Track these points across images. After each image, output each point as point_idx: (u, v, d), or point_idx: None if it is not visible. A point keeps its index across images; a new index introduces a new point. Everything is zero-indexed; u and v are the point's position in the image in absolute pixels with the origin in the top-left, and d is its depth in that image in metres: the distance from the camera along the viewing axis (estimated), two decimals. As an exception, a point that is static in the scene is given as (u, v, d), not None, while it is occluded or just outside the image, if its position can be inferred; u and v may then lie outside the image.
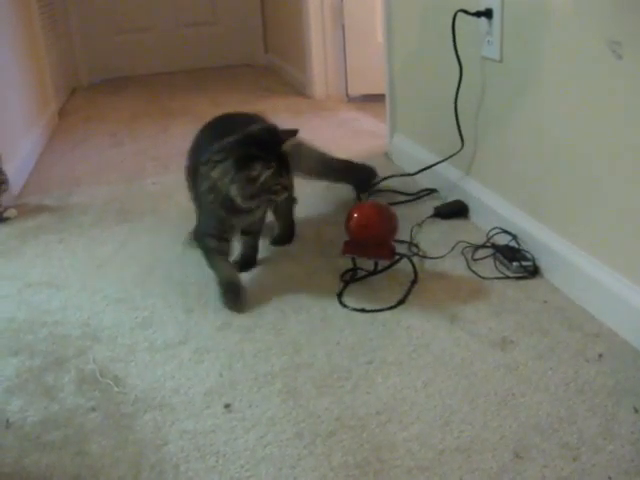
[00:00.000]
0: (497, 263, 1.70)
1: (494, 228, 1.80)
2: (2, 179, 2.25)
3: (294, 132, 1.60)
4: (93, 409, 1.28)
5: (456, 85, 1.92)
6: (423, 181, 2.25)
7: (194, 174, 1.66)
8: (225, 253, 1.67)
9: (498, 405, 1.21)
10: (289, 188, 1.64)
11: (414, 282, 1.64)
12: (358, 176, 2.23)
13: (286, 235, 1.91)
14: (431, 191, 2.19)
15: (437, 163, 2.13)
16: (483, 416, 1.19)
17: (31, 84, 3.22)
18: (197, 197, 1.68)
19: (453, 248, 1.79)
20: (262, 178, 1.52)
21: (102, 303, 1.67)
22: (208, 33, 5.05)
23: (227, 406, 1.26)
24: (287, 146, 1.58)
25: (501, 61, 1.74)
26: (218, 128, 1.74)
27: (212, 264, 1.67)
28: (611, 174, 1.39)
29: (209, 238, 1.65)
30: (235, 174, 1.52)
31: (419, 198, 2.17)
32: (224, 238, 1.66)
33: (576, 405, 1.20)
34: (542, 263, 1.64)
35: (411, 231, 1.91)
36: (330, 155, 2.13)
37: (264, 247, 1.88)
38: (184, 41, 5.01)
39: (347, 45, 3.67)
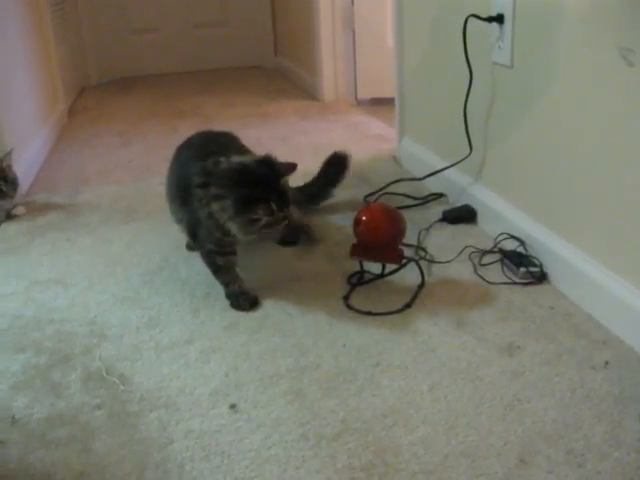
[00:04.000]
0: (504, 268, 1.70)
1: (502, 233, 1.79)
2: (13, 176, 2.26)
3: (293, 166, 1.57)
4: (99, 407, 1.28)
5: (466, 90, 1.92)
6: (431, 185, 2.25)
7: (184, 192, 1.64)
8: (232, 266, 1.66)
9: (504, 410, 1.21)
10: (289, 217, 1.59)
11: (421, 286, 1.64)
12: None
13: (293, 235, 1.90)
14: (439, 196, 2.19)
15: (445, 168, 2.13)
16: (488, 421, 1.19)
17: (41, 83, 3.23)
18: (192, 214, 1.64)
19: (460, 253, 1.79)
20: (263, 221, 1.51)
21: (109, 302, 1.67)
22: (218, 34, 5.05)
23: (232, 406, 1.26)
24: (285, 180, 1.56)
25: (512, 67, 1.74)
26: (203, 146, 1.74)
27: (222, 281, 1.65)
28: (622, 181, 1.38)
29: (214, 255, 1.64)
30: (235, 215, 1.51)
31: (427, 202, 2.17)
32: (229, 252, 1.65)
33: (582, 412, 1.20)
34: (549, 269, 1.63)
35: (419, 235, 1.91)
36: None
37: (272, 249, 1.88)
38: (194, 42, 5.02)
39: (357, 49, 3.67)
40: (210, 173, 1.55)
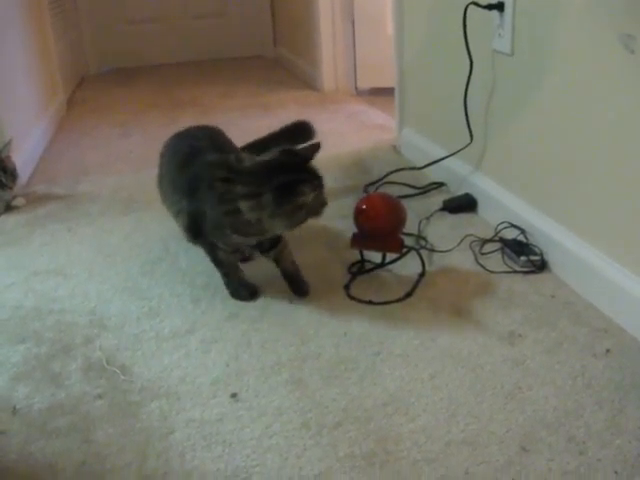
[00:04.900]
0: (505, 257, 1.70)
1: (502, 222, 1.79)
2: (12, 167, 2.26)
3: (317, 146, 1.49)
4: (99, 397, 1.28)
5: (466, 78, 1.92)
6: (432, 175, 2.25)
7: (191, 183, 1.58)
8: (236, 261, 1.64)
9: (505, 398, 1.21)
10: (327, 203, 1.50)
11: (422, 275, 1.63)
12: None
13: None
14: (440, 185, 2.19)
15: (446, 157, 2.13)
16: (489, 409, 1.19)
17: (40, 73, 3.22)
18: (197, 206, 1.57)
19: (461, 242, 1.79)
20: (310, 199, 1.42)
21: (109, 292, 1.67)
22: (217, 24, 5.04)
23: (234, 395, 1.26)
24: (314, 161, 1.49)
25: (512, 55, 1.73)
26: (210, 138, 1.72)
27: (222, 271, 1.64)
28: (622, 170, 1.38)
29: (220, 251, 1.60)
30: (277, 208, 1.41)
31: (427, 192, 2.17)
32: (232, 252, 1.61)
33: (583, 399, 1.20)
34: (550, 258, 1.63)
35: (419, 224, 1.90)
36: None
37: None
38: (193, 32, 5.01)
39: (357, 38, 3.66)
40: (234, 169, 1.48)
